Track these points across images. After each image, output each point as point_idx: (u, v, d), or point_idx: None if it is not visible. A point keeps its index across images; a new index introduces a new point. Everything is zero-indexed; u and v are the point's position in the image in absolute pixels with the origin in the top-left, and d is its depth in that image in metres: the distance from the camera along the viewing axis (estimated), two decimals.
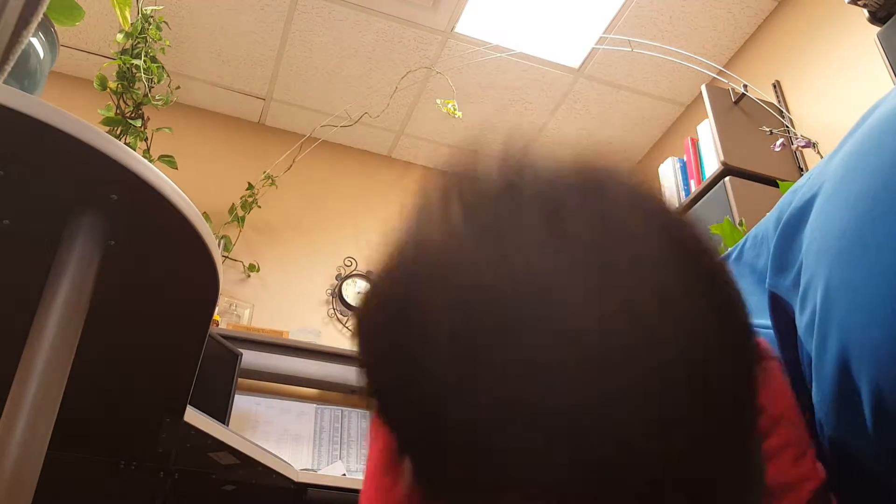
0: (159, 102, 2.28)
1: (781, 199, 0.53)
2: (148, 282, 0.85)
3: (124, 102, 2.23)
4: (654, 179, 2.81)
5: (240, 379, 2.25)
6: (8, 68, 0.80)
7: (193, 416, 1.18)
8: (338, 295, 2.93)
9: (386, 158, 3.45)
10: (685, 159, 2.51)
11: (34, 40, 0.92)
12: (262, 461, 1.46)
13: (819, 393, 0.43)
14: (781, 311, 0.49)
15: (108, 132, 2.01)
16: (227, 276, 2.80)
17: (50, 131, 0.64)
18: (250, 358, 2.34)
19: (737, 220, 1.92)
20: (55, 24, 0.99)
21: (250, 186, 2.87)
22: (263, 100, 3.17)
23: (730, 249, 0.59)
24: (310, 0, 2.69)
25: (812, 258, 0.44)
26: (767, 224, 0.54)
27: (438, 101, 2.75)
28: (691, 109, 3.07)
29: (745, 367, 0.31)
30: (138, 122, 2.23)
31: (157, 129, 2.35)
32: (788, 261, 0.48)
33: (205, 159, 3.06)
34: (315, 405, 2.61)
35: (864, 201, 0.40)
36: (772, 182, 2.09)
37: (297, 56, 2.93)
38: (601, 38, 2.77)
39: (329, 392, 2.69)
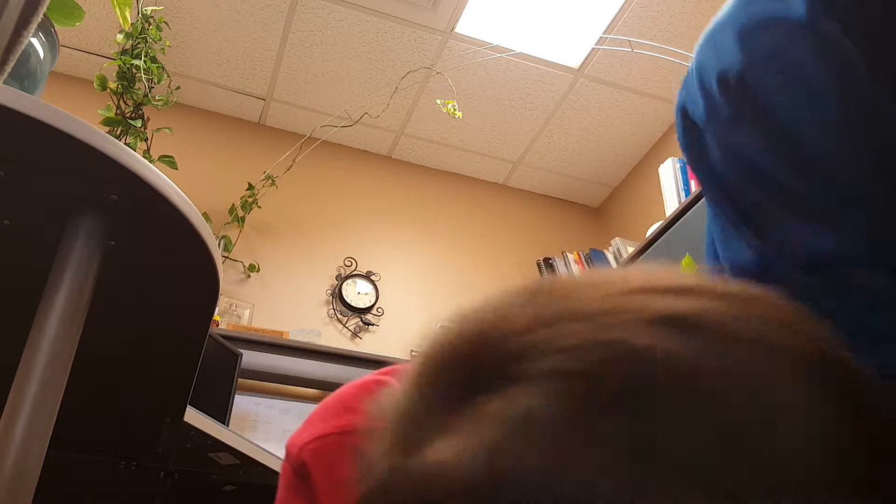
0: (159, 103, 2.28)
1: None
2: (148, 282, 0.85)
3: (124, 103, 2.23)
4: (654, 179, 2.81)
5: (240, 379, 2.25)
6: (8, 68, 0.80)
7: (193, 416, 1.18)
8: (338, 295, 2.93)
9: (386, 158, 3.45)
10: (685, 159, 2.51)
11: (34, 40, 0.92)
12: (263, 461, 1.46)
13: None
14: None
15: (108, 132, 2.01)
16: (227, 276, 2.80)
17: (50, 131, 0.64)
18: (250, 358, 2.34)
19: None
20: (55, 24, 0.99)
21: (250, 186, 2.87)
22: (263, 100, 3.17)
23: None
24: (310, 0, 2.69)
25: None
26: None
27: (438, 101, 2.75)
28: None
29: None
30: (138, 123, 2.23)
31: (157, 130, 2.35)
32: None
33: (205, 159, 3.06)
34: (315, 405, 2.61)
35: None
36: None
37: (297, 56, 2.93)
38: (601, 38, 2.77)
39: (329, 392, 2.68)
